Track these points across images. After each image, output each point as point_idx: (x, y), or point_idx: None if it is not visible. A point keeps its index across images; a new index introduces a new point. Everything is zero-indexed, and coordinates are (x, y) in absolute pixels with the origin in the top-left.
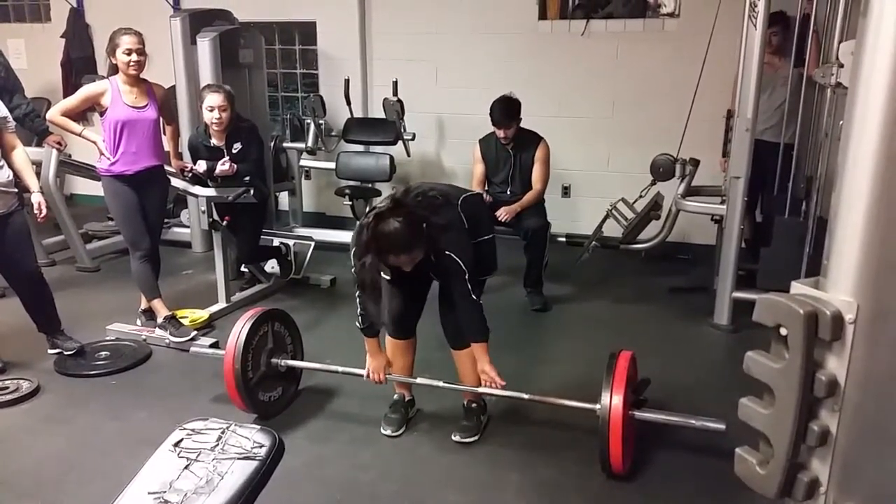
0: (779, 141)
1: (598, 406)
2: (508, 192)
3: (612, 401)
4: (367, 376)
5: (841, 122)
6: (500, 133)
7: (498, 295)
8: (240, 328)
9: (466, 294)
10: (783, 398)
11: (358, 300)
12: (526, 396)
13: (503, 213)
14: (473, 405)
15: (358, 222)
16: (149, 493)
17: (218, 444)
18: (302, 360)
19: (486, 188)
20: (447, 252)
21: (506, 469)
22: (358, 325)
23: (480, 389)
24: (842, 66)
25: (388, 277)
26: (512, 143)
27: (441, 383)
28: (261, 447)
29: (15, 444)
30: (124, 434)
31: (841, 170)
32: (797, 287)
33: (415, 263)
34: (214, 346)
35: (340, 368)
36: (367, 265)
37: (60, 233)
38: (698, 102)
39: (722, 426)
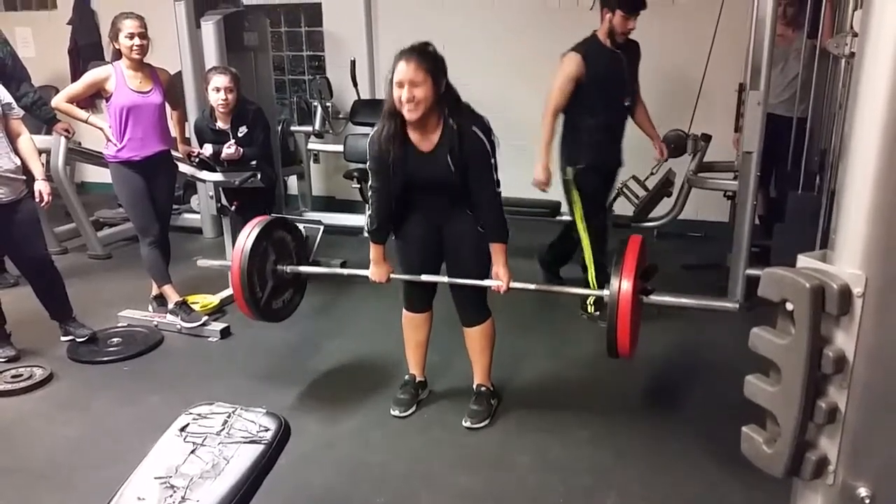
0: (792, 115)
1: (605, 292)
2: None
3: (622, 284)
4: (371, 279)
5: None
6: (630, 25)
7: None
8: (245, 236)
9: (492, 188)
10: (790, 375)
11: (370, 195)
12: (532, 287)
13: (537, 180)
14: (483, 389)
15: None
16: (155, 478)
17: (224, 429)
18: (308, 265)
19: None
20: (473, 128)
21: (516, 450)
22: (366, 227)
23: (487, 282)
24: (856, 35)
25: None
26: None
27: (445, 279)
28: (266, 431)
29: (29, 431)
30: (137, 419)
31: (847, 139)
32: (803, 260)
33: (413, 98)
34: (226, 331)
35: (346, 271)
36: (384, 135)
37: (72, 221)
38: (709, 77)
39: (734, 305)
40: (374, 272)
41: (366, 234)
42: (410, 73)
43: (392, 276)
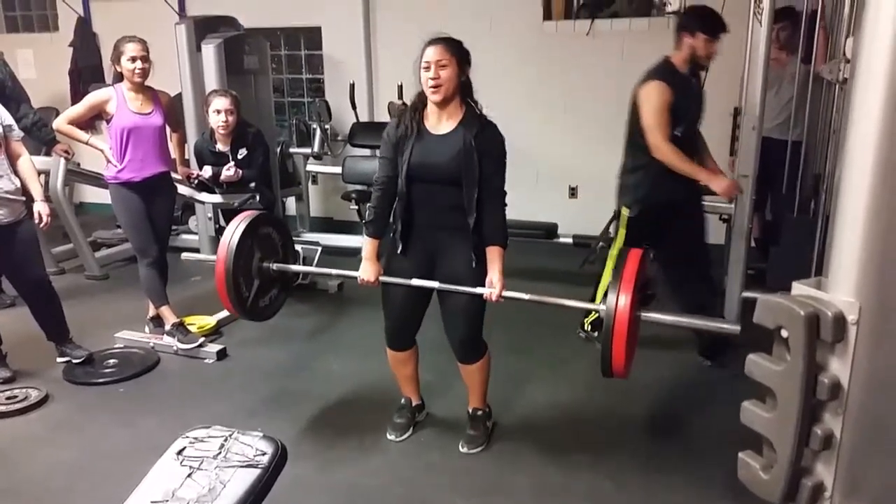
0: (787, 138)
1: (602, 306)
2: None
3: (619, 300)
4: (360, 280)
5: None
6: (713, 48)
7: None
8: (231, 231)
9: (501, 184)
10: (785, 401)
11: (373, 189)
12: (526, 297)
13: (730, 189)
14: (479, 412)
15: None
16: (152, 502)
17: (221, 452)
18: (295, 263)
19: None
20: (491, 122)
21: (513, 473)
22: (365, 219)
23: (478, 290)
24: (849, 61)
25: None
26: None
27: (437, 284)
28: (263, 455)
29: (24, 453)
30: (133, 441)
31: (841, 166)
32: (798, 287)
33: (437, 80)
34: (222, 353)
35: (334, 271)
36: (406, 115)
37: (69, 241)
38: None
39: (737, 328)
40: (364, 270)
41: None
42: (437, 54)
43: (381, 278)
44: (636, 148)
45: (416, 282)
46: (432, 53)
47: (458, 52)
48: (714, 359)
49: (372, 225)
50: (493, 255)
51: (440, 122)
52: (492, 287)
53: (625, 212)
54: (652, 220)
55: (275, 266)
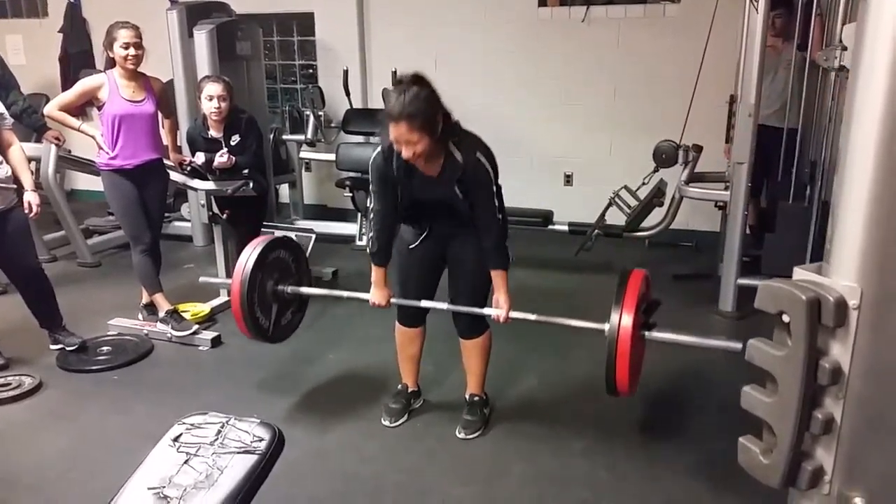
0: (782, 126)
1: (605, 325)
2: None
3: (622, 319)
4: (371, 302)
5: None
6: None
7: None
8: (247, 256)
9: (494, 213)
10: (786, 386)
11: (371, 217)
12: (532, 317)
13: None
14: (476, 398)
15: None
16: (148, 489)
17: (217, 439)
18: (309, 285)
19: None
20: (477, 154)
21: (511, 460)
22: (368, 249)
23: (486, 311)
24: (845, 48)
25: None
26: None
27: (445, 305)
28: (260, 441)
29: (18, 441)
30: (127, 429)
31: (843, 153)
32: (799, 273)
33: (414, 153)
34: (216, 340)
35: (345, 294)
36: (376, 163)
37: (61, 228)
38: (701, 88)
39: (738, 345)
40: (374, 295)
41: (358, 244)
42: (405, 134)
43: (392, 300)
44: None
45: (425, 303)
46: (399, 133)
47: (423, 122)
48: None
49: (377, 256)
50: (497, 278)
51: (428, 166)
52: (499, 308)
53: None
54: None
55: (289, 289)
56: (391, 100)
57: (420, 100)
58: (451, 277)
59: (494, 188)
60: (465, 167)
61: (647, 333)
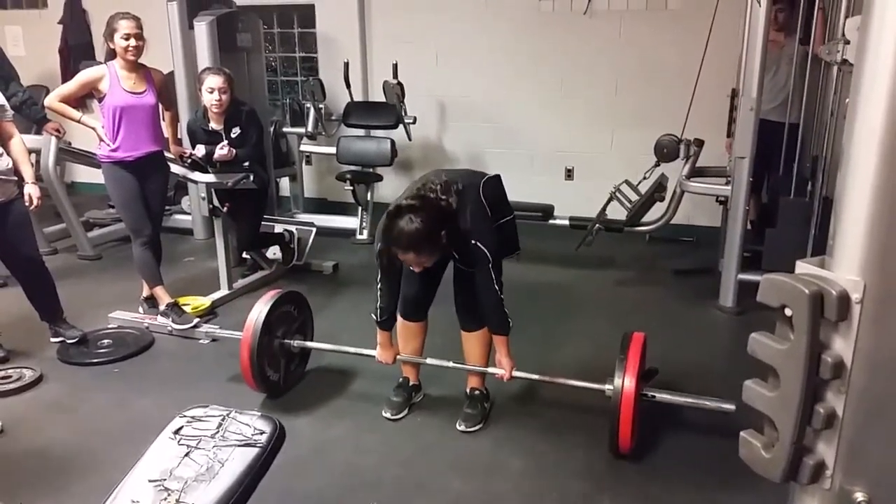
0: (784, 120)
1: (608, 387)
2: None
3: (625, 382)
4: (378, 360)
5: (847, 101)
6: None
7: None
8: (258, 311)
9: (490, 284)
10: (788, 380)
11: (378, 289)
12: (536, 377)
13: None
14: (476, 392)
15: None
16: (149, 481)
17: (218, 432)
18: (312, 340)
19: None
20: (473, 241)
21: (510, 454)
22: (374, 317)
23: (490, 370)
24: (848, 42)
25: (412, 268)
26: None
27: (451, 363)
28: (261, 434)
29: (19, 434)
30: (128, 422)
31: (847, 146)
32: (802, 266)
33: (423, 266)
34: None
35: (352, 349)
36: (384, 252)
37: (62, 221)
38: (702, 82)
39: (732, 407)
40: (381, 354)
41: (358, 237)
42: (413, 259)
43: (399, 357)
44: None
45: (430, 361)
46: (407, 258)
47: (430, 246)
48: None
49: (383, 324)
50: (498, 343)
51: (413, 265)
52: (500, 367)
53: None
54: None
55: (296, 343)
56: (394, 229)
57: (423, 230)
58: (457, 272)
59: (491, 266)
60: (461, 245)
61: (648, 394)
